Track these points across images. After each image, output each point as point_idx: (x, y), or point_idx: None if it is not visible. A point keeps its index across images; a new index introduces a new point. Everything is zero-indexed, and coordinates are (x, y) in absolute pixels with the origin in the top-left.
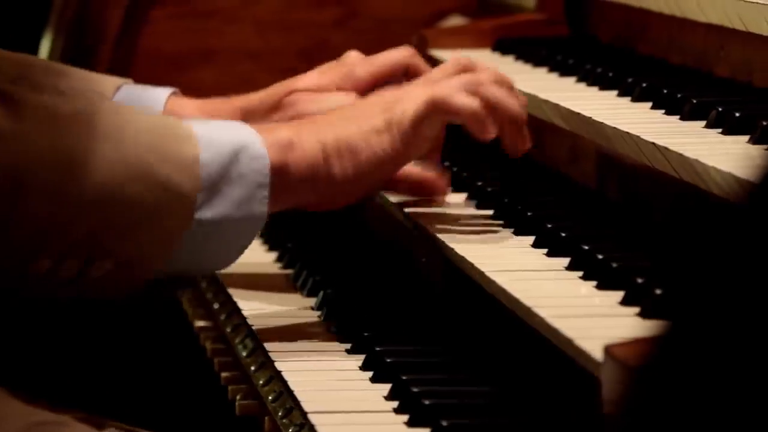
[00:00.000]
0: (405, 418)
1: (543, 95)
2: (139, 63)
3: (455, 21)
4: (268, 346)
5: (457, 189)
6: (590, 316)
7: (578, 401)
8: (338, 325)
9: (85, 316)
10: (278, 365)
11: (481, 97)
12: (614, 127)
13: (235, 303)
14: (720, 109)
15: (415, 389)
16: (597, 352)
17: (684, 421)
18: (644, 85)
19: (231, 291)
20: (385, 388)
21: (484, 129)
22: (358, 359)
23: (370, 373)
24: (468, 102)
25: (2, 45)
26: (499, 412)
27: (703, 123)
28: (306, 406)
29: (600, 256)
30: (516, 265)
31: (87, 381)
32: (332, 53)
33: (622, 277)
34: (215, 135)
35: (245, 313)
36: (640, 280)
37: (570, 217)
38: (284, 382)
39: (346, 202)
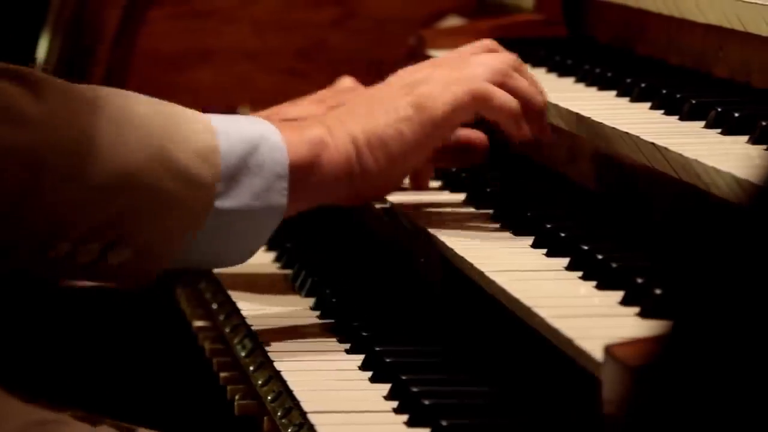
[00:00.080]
0: (404, 417)
1: None
2: (137, 63)
3: (453, 21)
4: (267, 346)
5: (456, 189)
6: (590, 316)
7: (578, 401)
8: (337, 325)
9: (85, 315)
10: (277, 365)
11: (508, 88)
12: (613, 127)
13: (233, 303)
14: (719, 110)
15: (414, 389)
16: (597, 352)
17: (684, 421)
18: (643, 85)
19: (230, 291)
20: (385, 388)
21: (520, 128)
22: (358, 359)
23: (369, 373)
24: (508, 101)
25: (0, 45)
26: (499, 412)
27: (703, 123)
28: (305, 406)
29: (599, 256)
30: (515, 265)
31: (86, 381)
32: (330, 53)
33: (621, 277)
34: (233, 127)
35: (244, 313)
36: (639, 280)
37: (569, 217)
38: (283, 382)
39: (382, 193)
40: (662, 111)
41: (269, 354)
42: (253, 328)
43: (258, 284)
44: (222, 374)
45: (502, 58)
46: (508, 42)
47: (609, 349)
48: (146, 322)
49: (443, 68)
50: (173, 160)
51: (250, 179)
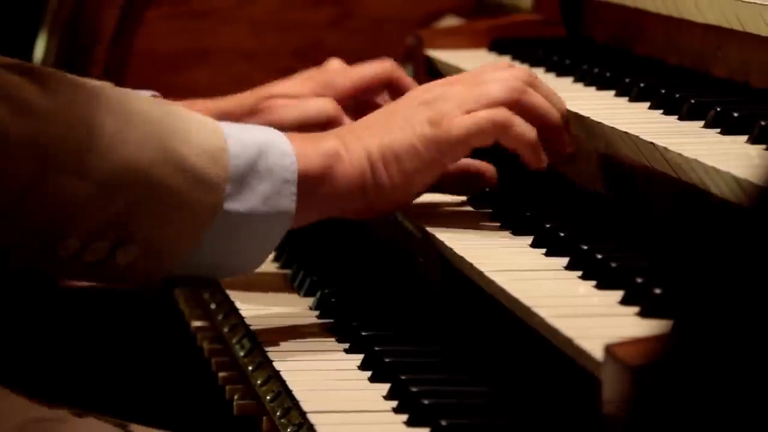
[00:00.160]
0: (404, 417)
1: None
2: (134, 63)
3: (451, 21)
4: (266, 345)
5: None
6: (590, 316)
7: (578, 401)
8: (336, 324)
9: (84, 315)
10: (276, 365)
11: (524, 104)
12: (612, 127)
13: (232, 303)
14: (718, 109)
15: (414, 389)
16: (597, 352)
17: (685, 421)
18: (642, 85)
19: (228, 291)
20: (384, 387)
21: (539, 159)
22: (357, 359)
23: (368, 373)
24: (527, 131)
25: None
26: (499, 412)
27: (702, 123)
28: (304, 406)
29: (599, 256)
30: (515, 265)
31: (86, 380)
32: (327, 53)
33: (621, 276)
34: (242, 132)
35: (243, 312)
36: (639, 280)
37: (568, 217)
38: (282, 382)
39: (395, 207)
40: (661, 111)
41: (268, 354)
42: (251, 327)
43: (257, 284)
44: (221, 374)
45: (517, 74)
46: (505, 42)
47: (609, 349)
48: (145, 322)
49: (459, 85)
50: (180, 158)
51: (259, 183)
